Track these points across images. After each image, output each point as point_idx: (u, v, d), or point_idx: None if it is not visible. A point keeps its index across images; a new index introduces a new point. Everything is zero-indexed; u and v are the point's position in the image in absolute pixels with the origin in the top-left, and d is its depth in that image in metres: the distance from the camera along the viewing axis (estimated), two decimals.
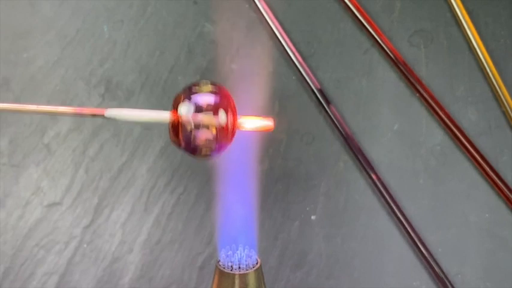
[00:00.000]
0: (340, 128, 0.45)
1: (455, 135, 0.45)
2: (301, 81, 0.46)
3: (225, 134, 0.28)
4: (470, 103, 0.46)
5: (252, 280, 0.30)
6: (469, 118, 0.46)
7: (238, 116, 0.29)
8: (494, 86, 0.45)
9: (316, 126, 0.46)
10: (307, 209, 0.46)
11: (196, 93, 0.28)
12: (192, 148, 0.28)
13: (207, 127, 0.27)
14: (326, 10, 0.46)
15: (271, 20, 0.45)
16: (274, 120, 0.30)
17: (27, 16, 0.45)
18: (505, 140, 0.45)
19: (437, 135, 0.46)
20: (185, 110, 0.27)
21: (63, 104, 0.45)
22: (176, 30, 0.46)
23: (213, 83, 0.29)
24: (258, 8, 0.45)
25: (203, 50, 0.46)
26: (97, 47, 0.45)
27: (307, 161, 0.46)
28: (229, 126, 0.28)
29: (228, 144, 0.28)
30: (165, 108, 0.45)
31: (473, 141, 0.45)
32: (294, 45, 0.46)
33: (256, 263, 0.31)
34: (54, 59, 0.45)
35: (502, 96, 0.45)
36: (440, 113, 0.45)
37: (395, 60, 0.45)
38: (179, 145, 0.28)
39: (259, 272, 0.31)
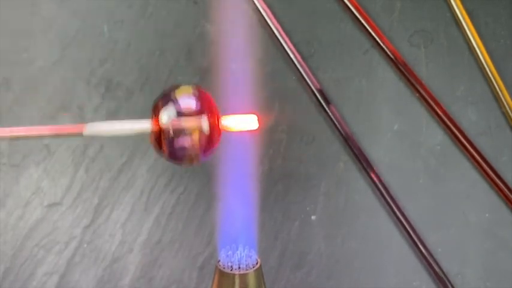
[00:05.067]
0: (340, 128, 0.45)
1: (455, 135, 0.45)
2: (301, 81, 0.46)
3: (210, 137, 0.27)
4: (470, 103, 0.46)
5: (252, 280, 0.30)
6: (469, 118, 0.46)
7: (221, 117, 0.28)
8: (494, 86, 0.45)
9: (316, 126, 0.46)
10: (307, 209, 0.46)
11: (175, 98, 0.27)
12: (177, 156, 0.27)
13: (190, 133, 0.26)
14: (326, 10, 0.46)
15: (271, 20, 0.45)
16: (258, 118, 0.28)
17: (28, 16, 0.45)
18: (505, 140, 0.45)
19: (437, 135, 0.46)
20: (166, 117, 0.26)
21: (63, 104, 0.45)
22: (176, 30, 0.46)
23: (192, 86, 0.28)
24: (257, 8, 0.45)
25: (203, 50, 0.46)
26: (97, 47, 0.45)
27: (307, 161, 0.46)
28: (214, 129, 0.27)
29: (214, 147, 0.27)
30: None
31: (473, 141, 0.45)
32: (294, 45, 0.45)
33: (256, 263, 0.31)
34: (54, 59, 0.45)
35: (502, 97, 0.45)
36: (440, 113, 0.45)
37: (395, 61, 0.45)
38: (163, 154, 0.27)
39: (259, 272, 0.31)
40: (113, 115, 0.45)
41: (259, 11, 0.45)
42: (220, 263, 0.30)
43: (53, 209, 0.45)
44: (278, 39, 0.45)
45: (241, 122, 0.28)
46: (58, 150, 0.45)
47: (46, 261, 0.44)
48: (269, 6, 0.45)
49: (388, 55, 0.46)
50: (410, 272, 0.45)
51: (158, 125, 0.26)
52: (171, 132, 0.26)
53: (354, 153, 0.45)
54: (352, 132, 0.45)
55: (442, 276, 0.44)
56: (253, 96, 0.42)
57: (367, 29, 0.46)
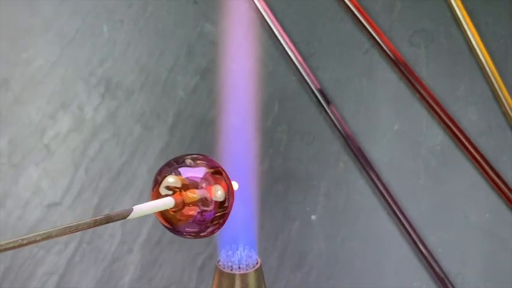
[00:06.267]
0: (340, 128, 0.45)
1: (455, 135, 0.45)
2: (301, 81, 0.46)
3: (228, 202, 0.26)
4: (471, 103, 0.46)
5: (252, 280, 0.30)
6: (469, 118, 0.46)
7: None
8: (494, 86, 0.45)
9: (316, 126, 0.46)
10: (307, 209, 0.46)
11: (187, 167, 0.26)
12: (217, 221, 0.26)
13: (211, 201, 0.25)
14: (326, 10, 0.46)
15: (271, 20, 0.45)
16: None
17: (27, 16, 0.45)
18: (505, 140, 0.45)
19: (438, 135, 0.46)
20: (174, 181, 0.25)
21: (62, 104, 0.45)
22: (176, 30, 0.46)
23: (198, 157, 0.26)
24: (257, 7, 0.45)
25: (203, 50, 0.46)
26: (97, 46, 0.45)
27: (307, 161, 0.46)
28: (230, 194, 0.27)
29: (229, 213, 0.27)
30: (163, 106, 0.46)
31: (473, 141, 0.45)
32: (294, 45, 0.45)
33: (256, 263, 0.31)
34: (53, 58, 0.45)
35: (502, 96, 0.45)
36: (441, 113, 0.45)
37: (395, 60, 0.45)
38: (194, 231, 0.26)
39: (259, 272, 0.30)
40: (113, 115, 0.45)
41: (259, 11, 0.45)
42: (220, 263, 0.30)
43: (52, 209, 0.45)
44: (278, 39, 0.45)
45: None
46: (58, 150, 0.45)
47: (46, 261, 0.44)
48: (269, 6, 0.45)
49: (388, 55, 0.46)
50: (410, 272, 0.45)
51: (181, 196, 0.25)
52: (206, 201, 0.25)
53: (354, 153, 0.45)
54: (352, 132, 0.45)
55: (443, 276, 0.44)
56: (253, 96, 0.42)
57: (367, 29, 0.46)
